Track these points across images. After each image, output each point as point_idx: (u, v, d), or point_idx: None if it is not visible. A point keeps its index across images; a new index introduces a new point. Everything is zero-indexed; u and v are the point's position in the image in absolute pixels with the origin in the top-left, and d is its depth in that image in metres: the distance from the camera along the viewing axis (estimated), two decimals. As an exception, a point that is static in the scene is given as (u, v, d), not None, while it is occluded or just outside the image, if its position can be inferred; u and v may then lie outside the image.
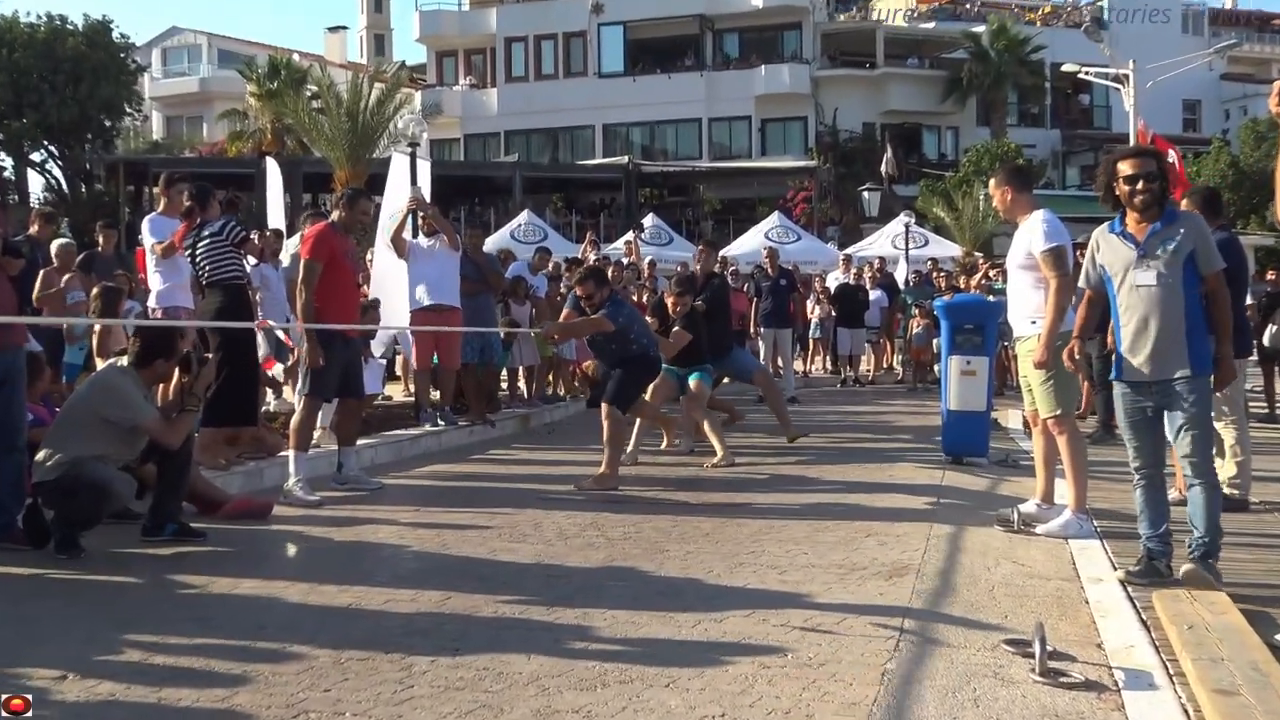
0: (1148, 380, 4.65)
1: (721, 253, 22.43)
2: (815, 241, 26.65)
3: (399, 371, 12.48)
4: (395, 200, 10.61)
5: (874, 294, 17.41)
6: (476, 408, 9.80)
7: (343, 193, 7.44)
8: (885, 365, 18.32)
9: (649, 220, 25.88)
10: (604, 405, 7.34)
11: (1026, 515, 5.94)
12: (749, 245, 24.27)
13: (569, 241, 26.59)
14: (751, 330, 14.35)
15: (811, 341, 17.81)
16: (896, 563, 5.01)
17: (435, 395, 10.02)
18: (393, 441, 8.73)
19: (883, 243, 24.32)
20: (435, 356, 9.52)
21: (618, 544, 5.42)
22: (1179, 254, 4.63)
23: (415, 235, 9.91)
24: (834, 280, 18.42)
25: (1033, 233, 5.91)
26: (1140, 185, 4.72)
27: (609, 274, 11.17)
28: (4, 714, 3.24)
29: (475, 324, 9.45)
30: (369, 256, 11.42)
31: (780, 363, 14.79)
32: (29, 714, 3.26)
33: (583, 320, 7.57)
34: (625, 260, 16.25)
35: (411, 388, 10.47)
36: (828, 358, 18.21)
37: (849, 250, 23.38)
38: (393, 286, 10.01)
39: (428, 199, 9.83)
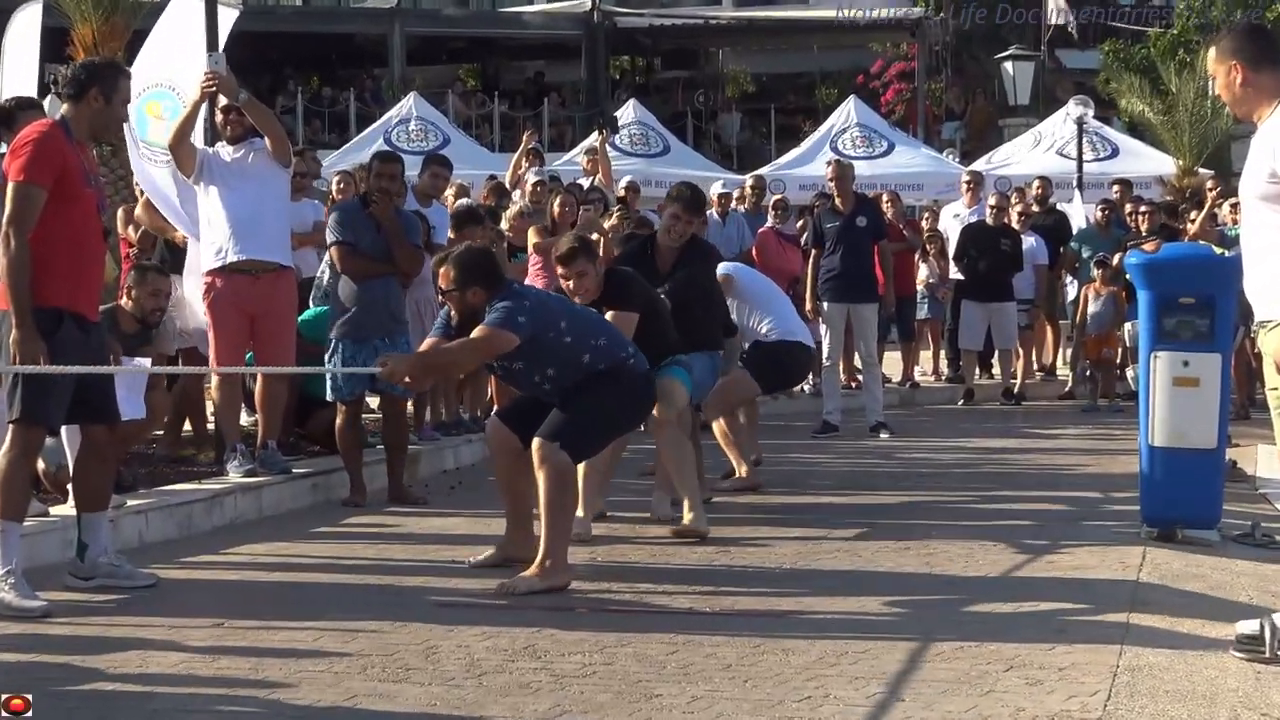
0: None
1: (759, 172, 21.60)
2: (920, 151, 25.13)
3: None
4: (175, 75, 10.08)
5: (1026, 243, 16.22)
6: (353, 474, 9.41)
7: (84, 65, 7.00)
8: (1042, 365, 17.57)
9: (627, 111, 24.53)
10: (539, 446, 6.84)
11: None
12: (803, 159, 23.13)
13: (487, 151, 25.81)
14: (808, 305, 13.33)
15: (916, 326, 16.81)
16: (1060, 722, 5.02)
17: (249, 421, 10.07)
18: (176, 504, 8.50)
19: (1039, 153, 22.87)
20: (251, 356, 9.34)
21: (571, 685, 5.33)
22: None
23: (212, 141, 9.63)
24: (954, 219, 17.28)
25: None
26: None
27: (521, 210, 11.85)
28: (4, 714, 4.55)
29: (368, 323, 9.20)
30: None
31: (859, 361, 14.19)
32: (29, 714, 4.64)
33: (457, 345, 7.01)
34: (586, 182, 15.47)
35: (209, 411, 10.18)
36: (942, 353, 17.28)
37: (980, 166, 21.92)
38: (178, 217, 9.79)
39: (228, 73, 9.24)
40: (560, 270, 7.85)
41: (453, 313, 7.03)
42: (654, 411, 7.91)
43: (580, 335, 6.99)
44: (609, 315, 7.85)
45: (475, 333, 6.84)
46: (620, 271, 8.30)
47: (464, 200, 13.30)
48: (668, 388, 8.07)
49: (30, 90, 10.36)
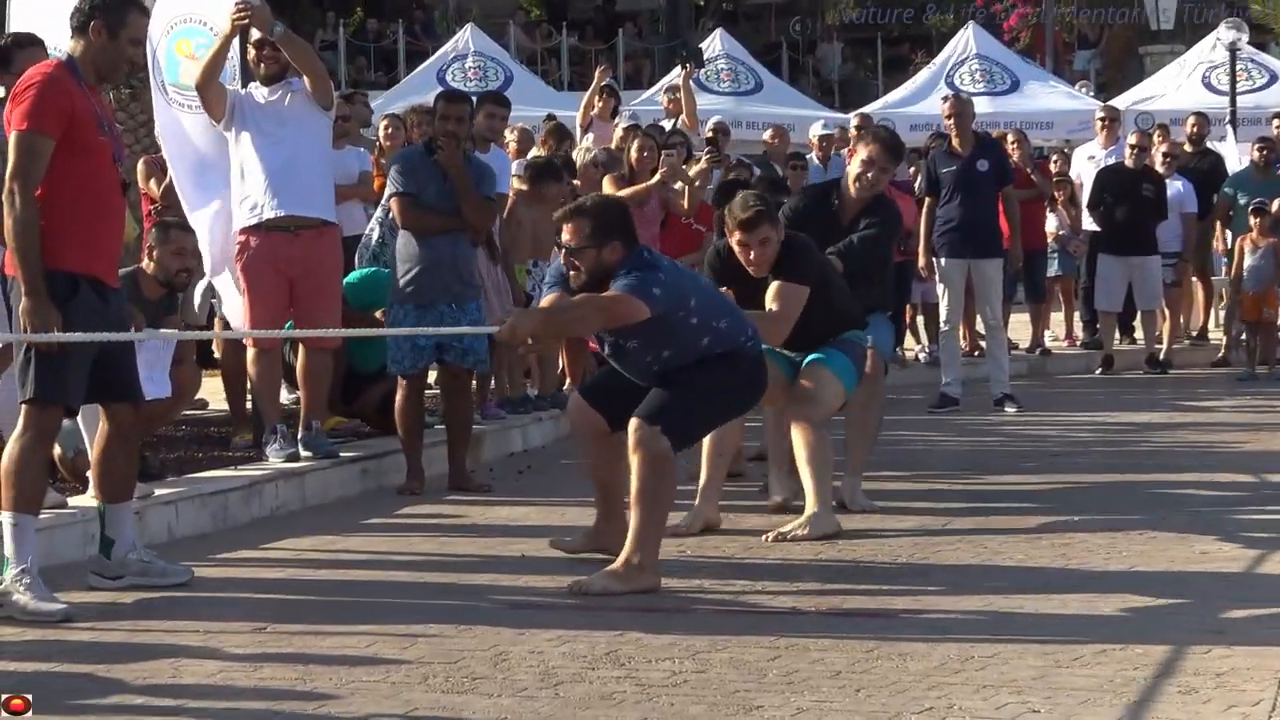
0: None
1: (865, 110, 21.59)
2: (1049, 84, 24.99)
3: (216, 351, 12.16)
4: (207, 8, 10.02)
5: (1172, 188, 16.02)
6: (411, 458, 9.43)
7: None
8: (1191, 328, 17.38)
9: (714, 43, 24.68)
10: (637, 428, 6.82)
11: None
12: (915, 96, 23.18)
13: (553, 91, 25.82)
14: (921, 261, 13.34)
15: (1046, 284, 16.62)
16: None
17: (291, 399, 10.19)
18: (210, 492, 8.51)
19: (1188, 87, 22.75)
20: (290, 324, 9.31)
21: (659, 697, 5.32)
22: None
23: (243, 82, 9.70)
24: (1088, 161, 17.11)
25: None
26: None
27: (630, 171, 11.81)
28: (4, 714, 4.86)
29: (434, 286, 9.20)
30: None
31: (981, 325, 14.11)
32: (29, 714, 4.93)
33: (584, 302, 6.96)
34: (668, 124, 15.54)
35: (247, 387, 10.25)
36: (1077, 315, 17.21)
37: (1118, 102, 21.90)
38: (198, 181, 9.72)
39: (261, 3, 9.17)
40: (739, 238, 7.80)
41: (573, 273, 7.00)
42: (797, 405, 7.99)
43: (705, 316, 6.95)
44: (775, 287, 7.87)
45: (606, 293, 6.81)
46: (798, 238, 8.22)
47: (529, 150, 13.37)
48: (819, 387, 8.01)
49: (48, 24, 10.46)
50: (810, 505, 7.91)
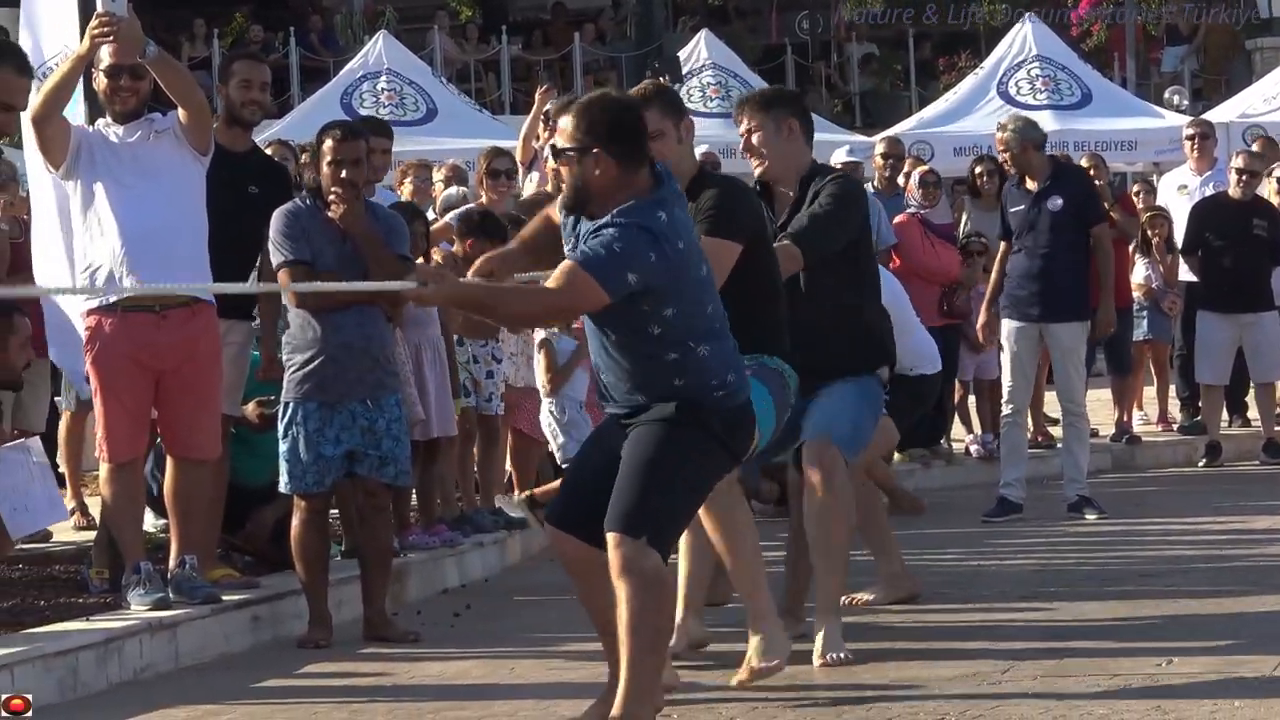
0: None
1: (893, 131, 21.54)
2: (1122, 94, 25.34)
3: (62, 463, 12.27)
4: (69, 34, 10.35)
5: None
6: (315, 600, 9.41)
7: None
8: None
9: (697, 48, 25.62)
10: (618, 544, 6.82)
11: None
12: (958, 111, 23.40)
13: (488, 118, 25.86)
14: (980, 319, 13.52)
15: (1134, 352, 16.75)
16: None
17: (156, 525, 10.31)
18: (55, 652, 8.31)
19: None
20: (156, 425, 9.44)
21: None
22: None
23: (92, 117, 9.86)
24: (1179, 192, 17.32)
25: None
26: None
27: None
28: (4, 714, 5.89)
29: (344, 378, 9.26)
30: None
31: (1051, 408, 14.40)
32: (29, 714, 6.12)
33: (520, 294, 7.23)
34: None
35: (94, 509, 10.29)
36: (1172, 390, 17.34)
37: (1219, 112, 22.38)
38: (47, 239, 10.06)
39: (130, 17, 9.07)
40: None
41: (549, 184, 6.95)
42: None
43: (684, 330, 6.87)
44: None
45: (555, 277, 6.81)
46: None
47: (457, 190, 13.38)
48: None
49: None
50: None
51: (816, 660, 8.16)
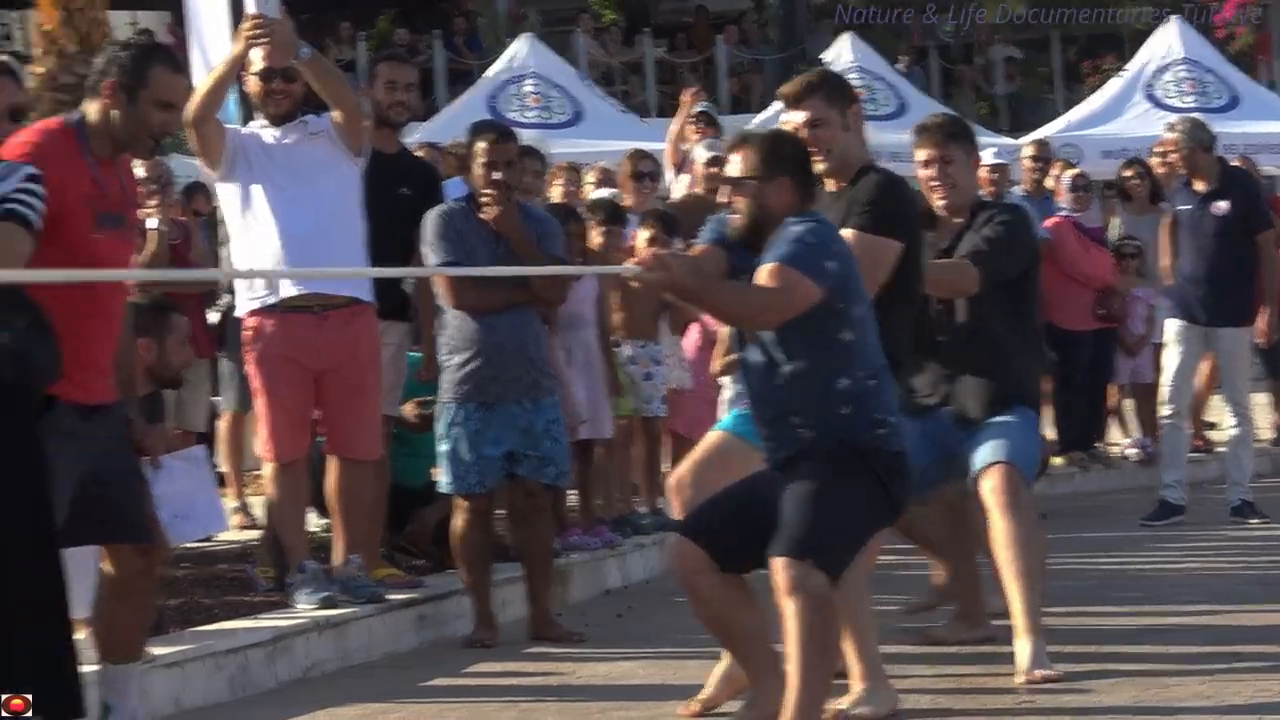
0: None
1: (1040, 134, 21.36)
2: (1270, 97, 25.36)
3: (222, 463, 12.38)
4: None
5: None
6: (480, 600, 9.45)
7: (110, 53, 7.01)
8: None
9: (840, 51, 25.31)
10: (786, 566, 6.75)
11: None
12: (1106, 114, 23.39)
13: (635, 119, 25.77)
14: (1139, 330, 13.23)
15: None
16: None
17: (320, 525, 10.25)
18: (224, 650, 8.49)
19: None
20: (320, 429, 9.51)
21: None
22: None
23: (246, 117, 9.91)
24: None
25: None
26: None
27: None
28: (4, 714, 5.68)
29: (499, 377, 9.31)
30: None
31: (1235, 418, 13.59)
32: (29, 713, 5.70)
33: (738, 292, 6.98)
34: None
35: (258, 509, 10.15)
36: None
37: None
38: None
39: (283, 18, 9.35)
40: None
41: (733, 218, 7.07)
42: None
43: (860, 353, 6.88)
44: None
45: (762, 275, 6.81)
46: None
47: (608, 193, 13.41)
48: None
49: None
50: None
51: (1021, 677, 7.93)
